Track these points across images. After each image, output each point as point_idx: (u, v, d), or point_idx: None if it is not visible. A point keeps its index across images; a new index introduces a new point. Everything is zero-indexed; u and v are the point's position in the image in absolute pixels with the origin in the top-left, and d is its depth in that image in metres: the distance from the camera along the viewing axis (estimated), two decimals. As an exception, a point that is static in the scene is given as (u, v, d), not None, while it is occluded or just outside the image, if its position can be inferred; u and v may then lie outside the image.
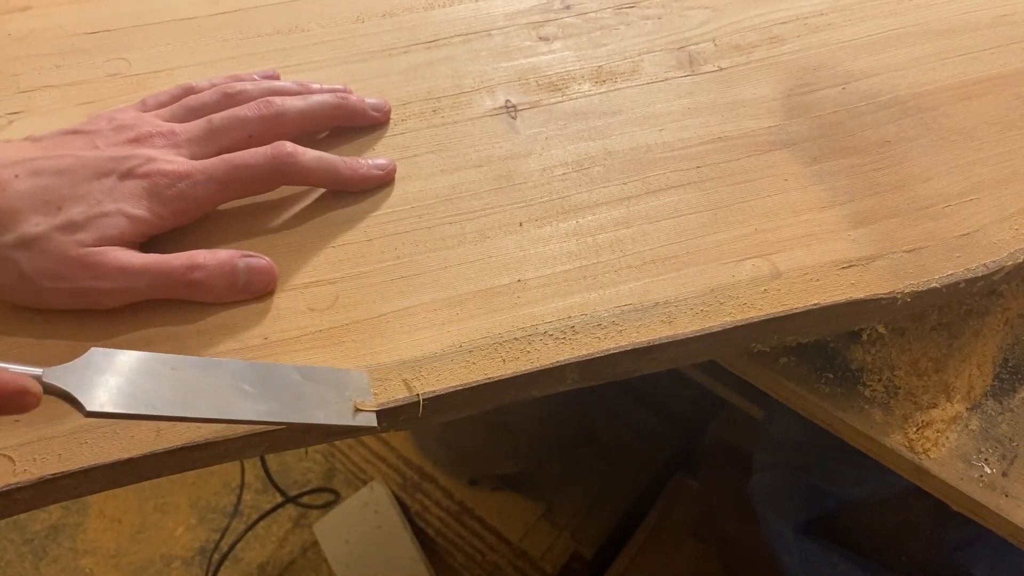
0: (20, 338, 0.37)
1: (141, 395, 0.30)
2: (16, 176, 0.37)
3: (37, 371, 0.28)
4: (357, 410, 0.34)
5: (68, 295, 0.37)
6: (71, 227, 0.36)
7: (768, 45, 0.51)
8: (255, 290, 0.39)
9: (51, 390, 0.28)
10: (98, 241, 0.37)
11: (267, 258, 0.39)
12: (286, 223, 0.42)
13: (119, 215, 0.37)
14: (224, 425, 0.34)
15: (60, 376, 0.28)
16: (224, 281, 0.38)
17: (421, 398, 0.35)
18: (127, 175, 0.38)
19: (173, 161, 0.39)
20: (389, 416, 0.36)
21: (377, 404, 0.35)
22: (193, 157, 0.40)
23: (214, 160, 0.40)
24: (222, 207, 0.42)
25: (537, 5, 0.54)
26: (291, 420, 0.32)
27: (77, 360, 0.29)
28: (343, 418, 0.34)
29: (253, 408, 0.32)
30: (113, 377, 0.29)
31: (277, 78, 0.47)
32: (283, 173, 0.41)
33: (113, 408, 0.29)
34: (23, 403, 0.28)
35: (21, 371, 0.28)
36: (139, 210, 0.38)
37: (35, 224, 0.36)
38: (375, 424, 0.35)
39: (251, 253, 0.39)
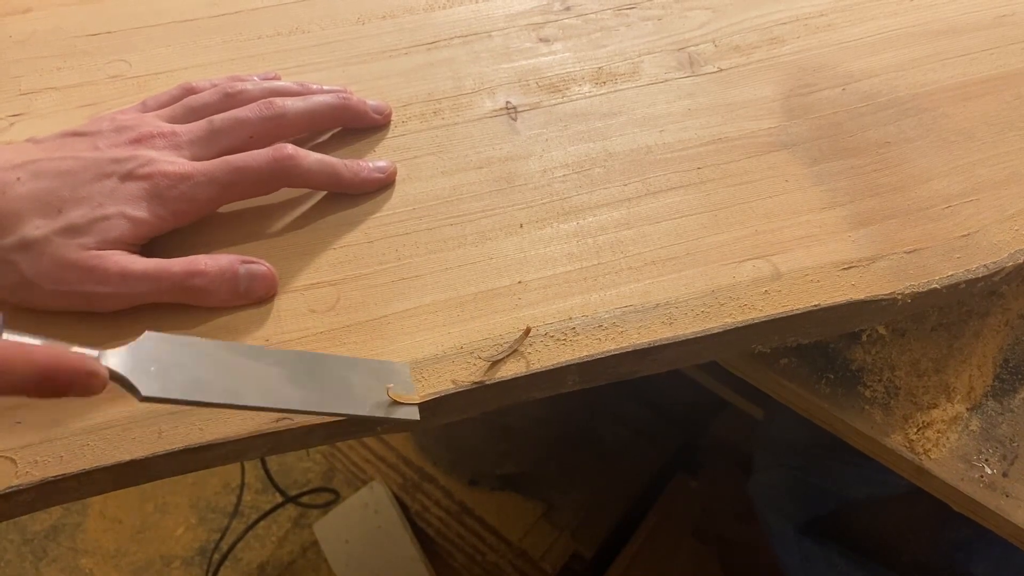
0: (22, 340, 0.37)
1: (193, 382, 0.30)
2: (18, 179, 0.37)
3: (93, 353, 0.28)
4: (395, 403, 0.35)
5: (69, 298, 0.37)
6: (72, 230, 0.36)
7: (768, 46, 0.51)
8: (256, 296, 0.39)
9: (109, 374, 0.28)
10: (99, 244, 0.37)
11: (267, 264, 0.39)
12: (287, 225, 0.42)
13: (120, 217, 0.37)
14: (223, 428, 0.34)
15: (115, 360, 0.29)
16: (225, 287, 0.38)
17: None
18: (128, 176, 0.38)
19: (174, 162, 0.39)
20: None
21: (420, 397, 0.35)
22: (194, 158, 0.40)
23: (215, 162, 0.40)
24: (223, 208, 0.42)
25: (537, 6, 0.54)
26: (337, 411, 0.33)
27: (131, 344, 0.30)
28: (387, 410, 0.34)
29: (301, 397, 0.32)
30: (166, 363, 0.30)
31: (278, 79, 0.47)
32: (284, 175, 0.41)
33: (167, 394, 0.29)
34: (90, 385, 0.28)
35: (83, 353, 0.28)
36: (140, 212, 0.38)
37: (36, 227, 0.36)
38: (417, 417, 0.35)
39: (252, 259, 0.39)
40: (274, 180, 0.41)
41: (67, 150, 0.39)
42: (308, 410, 0.32)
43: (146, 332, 0.31)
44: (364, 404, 0.34)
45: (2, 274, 0.36)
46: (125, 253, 0.37)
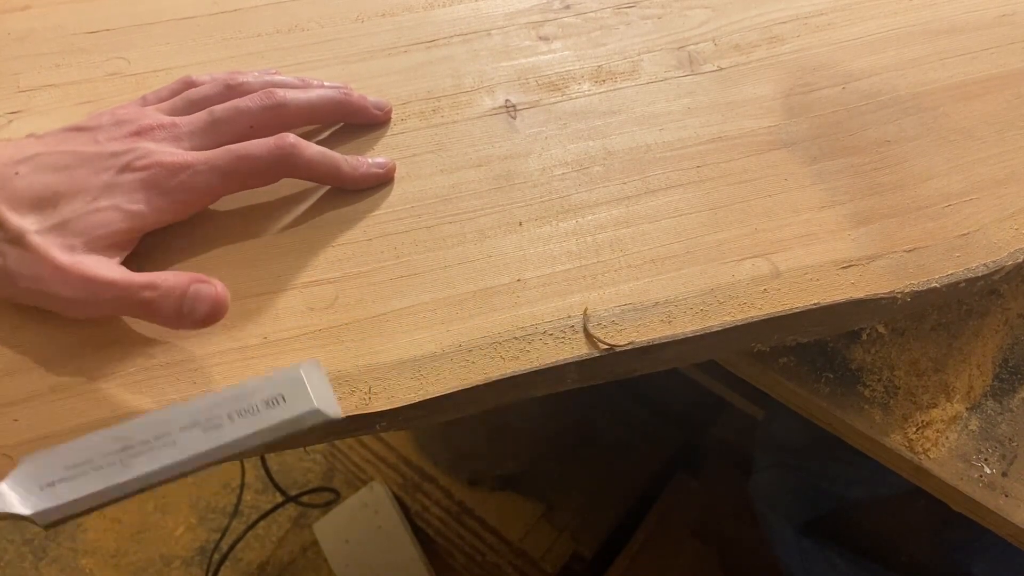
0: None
1: (82, 480, 0.29)
2: (17, 173, 0.37)
3: None
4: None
5: (39, 297, 0.36)
6: (63, 226, 0.36)
7: (768, 45, 0.51)
8: (197, 318, 0.36)
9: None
10: (88, 242, 0.36)
11: (221, 285, 0.36)
12: (286, 223, 0.42)
13: (113, 210, 0.37)
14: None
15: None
16: (170, 304, 0.35)
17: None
18: (125, 169, 0.38)
19: (173, 153, 0.39)
20: (390, 416, 0.36)
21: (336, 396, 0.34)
22: (194, 149, 0.40)
23: (216, 151, 0.39)
24: (221, 205, 0.42)
25: (537, 5, 0.54)
26: (237, 437, 0.31)
27: (14, 472, 0.28)
28: (289, 412, 0.32)
29: (200, 440, 0.31)
30: (50, 477, 0.29)
31: (278, 75, 0.47)
32: (285, 165, 0.40)
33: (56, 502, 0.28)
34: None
35: None
36: (135, 204, 0.38)
37: (31, 222, 0.36)
38: (340, 415, 0.33)
39: (206, 279, 0.36)
40: (275, 169, 0.40)
41: (67, 145, 0.39)
42: (211, 448, 0.31)
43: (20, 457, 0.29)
44: (264, 417, 0.32)
45: None
46: (104, 259, 0.36)
